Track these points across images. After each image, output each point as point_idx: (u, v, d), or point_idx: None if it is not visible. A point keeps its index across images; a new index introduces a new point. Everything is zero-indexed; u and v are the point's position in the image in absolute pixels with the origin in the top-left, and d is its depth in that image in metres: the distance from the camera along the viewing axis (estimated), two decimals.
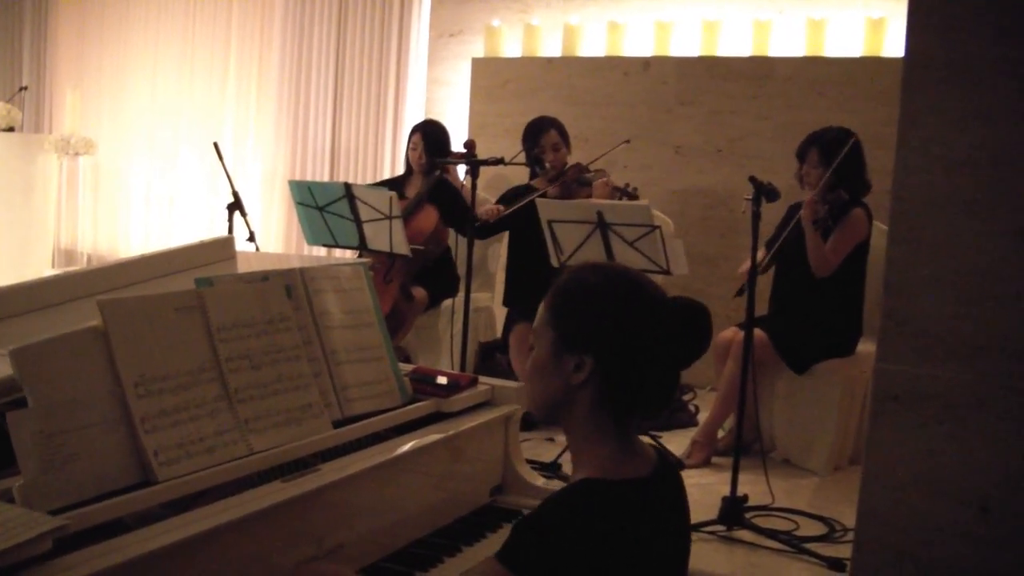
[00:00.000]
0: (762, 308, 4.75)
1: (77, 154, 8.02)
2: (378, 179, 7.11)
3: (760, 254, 4.58)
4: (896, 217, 1.60)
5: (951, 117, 1.55)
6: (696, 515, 3.85)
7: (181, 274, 2.45)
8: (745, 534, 3.81)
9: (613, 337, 1.65)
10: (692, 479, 4.43)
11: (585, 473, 1.69)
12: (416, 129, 5.79)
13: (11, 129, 7.69)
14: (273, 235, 7.92)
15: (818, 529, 3.91)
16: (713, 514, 3.86)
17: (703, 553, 3.65)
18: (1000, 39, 1.51)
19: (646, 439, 4.58)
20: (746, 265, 4.73)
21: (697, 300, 1.74)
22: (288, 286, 2.26)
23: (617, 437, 1.70)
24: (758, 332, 4.46)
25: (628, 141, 5.54)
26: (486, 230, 5.46)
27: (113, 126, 8.66)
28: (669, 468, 1.79)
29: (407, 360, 5.32)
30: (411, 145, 5.74)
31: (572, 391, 1.69)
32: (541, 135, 5.42)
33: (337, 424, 2.24)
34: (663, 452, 1.83)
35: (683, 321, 1.67)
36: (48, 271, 7.57)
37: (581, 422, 1.71)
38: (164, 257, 2.56)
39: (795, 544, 3.72)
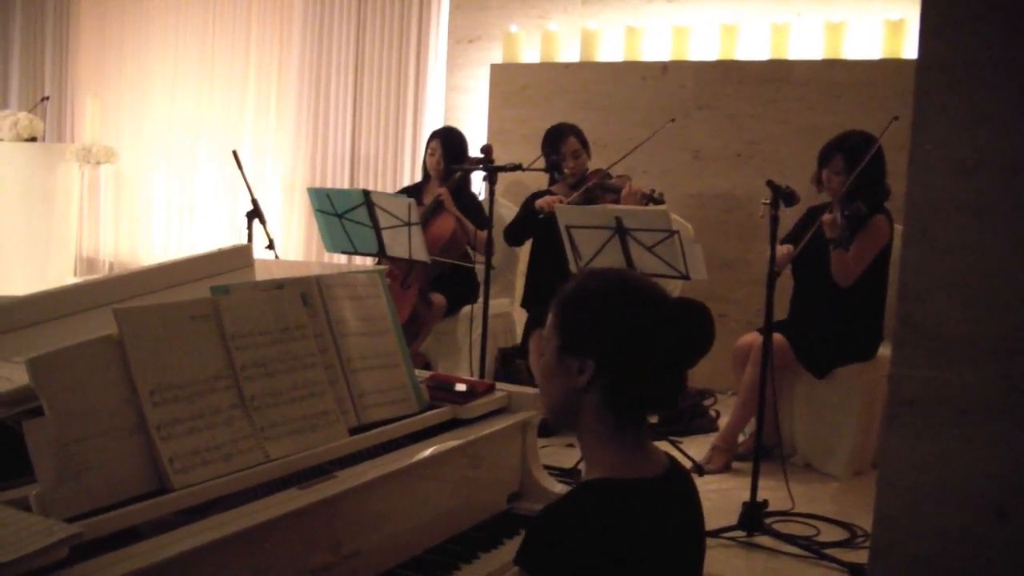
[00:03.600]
0: (782, 313, 4.74)
1: (98, 163, 8.08)
2: (398, 186, 7.12)
3: (780, 251, 4.55)
4: (909, 220, 1.59)
5: (963, 120, 1.53)
6: (716, 521, 3.88)
7: (199, 282, 2.46)
8: (765, 540, 3.79)
9: (612, 339, 1.69)
10: (712, 485, 4.42)
11: (596, 474, 1.72)
12: (434, 135, 5.80)
13: (33, 139, 7.75)
14: (294, 243, 7.95)
15: (839, 535, 3.89)
16: (733, 519, 3.84)
17: (723, 559, 3.63)
18: (1011, 42, 1.50)
19: (662, 444, 4.60)
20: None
21: (698, 300, 1.78)
22: (304, 294, 2.27)
23: (626, 439, 1.73)
24: (778, 337, 4.45)
25: (674, 120, 5.55)
26: (519, 234, 5.46)
27: (134, 135, 8.72)
28: (681, 472, 1.82)
29: (427, 366, 5.32)
30: (429, 151, 5.75)
31: (578, 395, 1.72)
32: (560, 142, 5.41)
33: (353, 431, 2.25)
34: (672, 457, 1.84)
35: (683, 321, 1.70)
36: (70, 280, 7.61)
37: (590, 425, 1.74)
38: (182, 266, 2.57)
39: (815, 550, 3.70)
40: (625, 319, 1.69)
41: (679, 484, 1.79)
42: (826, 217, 4.42)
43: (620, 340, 1.68)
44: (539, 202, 5.21)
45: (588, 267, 1.87)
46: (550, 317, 1.78)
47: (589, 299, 1.73)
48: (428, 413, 2.45)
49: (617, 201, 5.13)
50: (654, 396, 1.74)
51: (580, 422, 1.75)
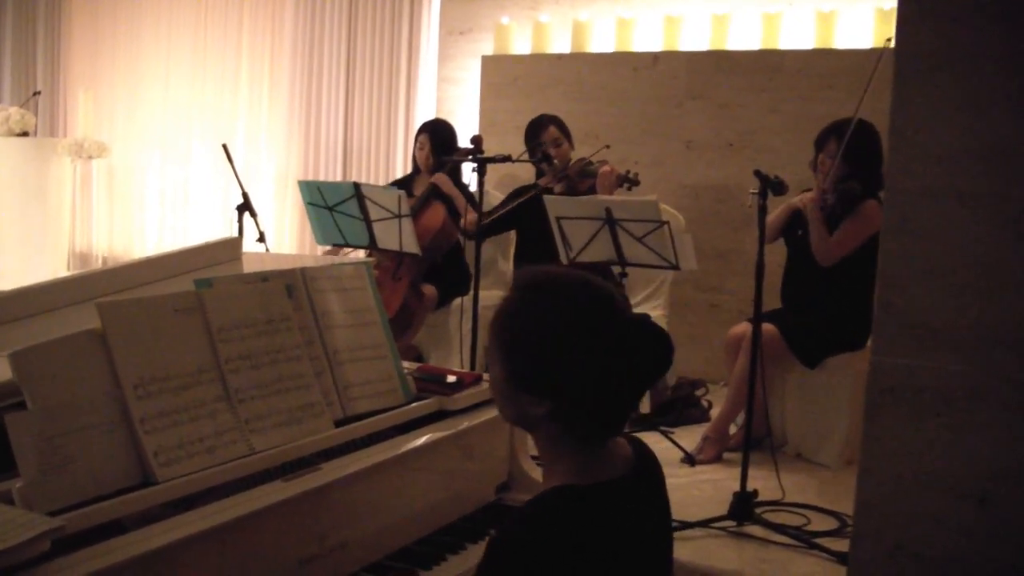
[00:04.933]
0: (774, 302, 4.74)
1: (91, 157, 8.04)
2: (391, 178, 7.12)
3: (806, 196, 4.62)
4: (890, 208, 1.59)
5: (943, 107, 1.54)
6: (707, 511, 3.88)
7: (187, 275, 2.45)
8: (756, 529, 3.79)
9: (567, 381, 1.60)
10: (704, 475, 4.42)
11: (553, 482, 1.65)
12: (423, 129, 5.81)
13: (25, 134, 7.73)
14: (287, 235, 7.94)
15: (829, 524, 3.89)
16: (723, 510, 3.84)
17: (713, 549, 3.64)
18: (991, 28, 1.50)
19: (654, 435, 4.60)
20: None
21: (655, 324, 1.66)
22: (288, 286, 2.27)
23: (586, 447, 1.67)
24: (769, 327, 4.45)
25: (608, 147, 5.45)
26: (482, 232, 5.48)
27: (126, 129, 8.70)
28: (644, 464, 1.74)
29: (419, 359, 5.33)
30: (418, 145, 5.76)
31: (532, 419, 1.66)
32: (541, 132, 5.48)
33: (339, 423, 2.25)
34: (639, 445, 1.78)
35: (643, 351, 1.62)
36: (63, 274, 7.59)
37: (545, 441, 1.68)
38: (169, 259, 2.57)
39: (805, 539, 3.70)
40: (582, 358, 1.59)
41: (642, 480, 1.72)
42: (816, 188, 4.54)
43: (578, 381, 1.59)
44: (466, 221, 5.31)
45: (525, 277, 1.75)
46: (491, 331, 1.69)
47: (539, 330, 1.63)
48: (414, 404, 2.45)
49: (595, 185, 5.17)
50: (611, 420, 1.67)
51: (535, 436, 1.70)
